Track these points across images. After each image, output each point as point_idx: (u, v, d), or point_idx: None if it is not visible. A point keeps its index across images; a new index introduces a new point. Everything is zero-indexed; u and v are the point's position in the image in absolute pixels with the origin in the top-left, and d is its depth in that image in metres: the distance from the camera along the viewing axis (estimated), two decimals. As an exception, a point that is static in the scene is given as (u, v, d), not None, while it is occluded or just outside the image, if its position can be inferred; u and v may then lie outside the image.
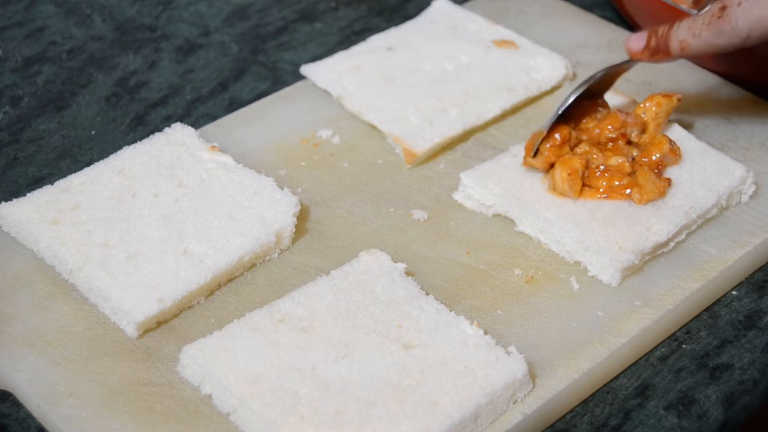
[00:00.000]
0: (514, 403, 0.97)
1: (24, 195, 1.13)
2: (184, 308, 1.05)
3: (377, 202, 1.18)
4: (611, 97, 1.26)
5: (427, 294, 1.04)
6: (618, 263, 1.07)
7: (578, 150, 1.15)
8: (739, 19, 1.07)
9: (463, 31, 1.38)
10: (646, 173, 1.13)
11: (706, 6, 1.14)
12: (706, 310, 1.10)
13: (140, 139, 1.20)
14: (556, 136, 1.14)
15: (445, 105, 1.27)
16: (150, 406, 0.96)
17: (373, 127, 1.26)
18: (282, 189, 1.14)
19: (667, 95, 1.19)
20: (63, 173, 1.21)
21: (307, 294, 1.03)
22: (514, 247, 1.13)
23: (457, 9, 1.42)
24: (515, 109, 1.30)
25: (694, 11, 1.34)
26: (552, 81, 1.32)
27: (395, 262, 1.07)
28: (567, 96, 1.17)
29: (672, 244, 1.11)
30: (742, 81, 1.33)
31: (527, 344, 1.02)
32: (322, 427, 0.91)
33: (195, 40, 1.46)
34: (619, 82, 1.33)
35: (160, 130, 1.22)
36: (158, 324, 1.04)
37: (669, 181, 1.14)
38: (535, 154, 1.14)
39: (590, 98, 1.19)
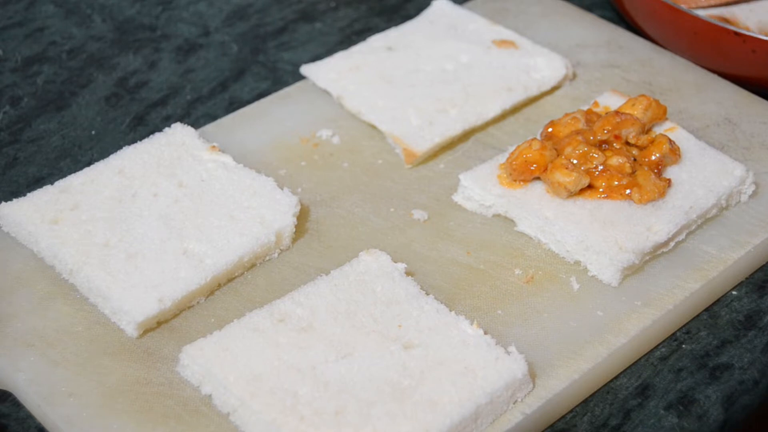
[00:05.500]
0: (514, 403, 0.97)
1: (24, 195, 1.13)
2: (184, 308, 1.05)
3: (377, 202, 1.18)
4: (610, 97, 1.26)
5: (427, 294, 1.04)
6: (618, 263, 1.07)
7: (575, 150, 1.14)
8: None
9: (463, 31, 1.38)
10: (646, 173, 1.13)
11: None
12: (706, 310, 1.10)
13: (140, 139, 1.20)
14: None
15: (445, 105, 1.27)
16: (150, 406, 0.96)
17: (373, 127, 1.26)
18: (282, 189, 1.14)
19: (660, 104, 1.20)
20: (63, 173, 1.21)
21: (307, 294, 1.03)
22: (514, 247, 1.13)
23: (457, 9, 1.42)
24: (515, 109, 1.30)
25: (695, 11, 1.35)
26: (552, 81, 1.32)
27: (395, 262, 1.07)
28: None
29: (672, 244, 1.11)
30: (742, 81, 1.33)
31: (527, 344, 1.02)
32: (322, 427, 0.91)
33: (195, 40, 1.46)
34: (619, 82, 1.33)
35: (160, 130, 1.22)
36: (158, 324, 1.04)
37: (669, 181, 1.14)
38: None
39: None
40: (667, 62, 1.37)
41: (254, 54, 1.44)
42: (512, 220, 1.14)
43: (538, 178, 1.14)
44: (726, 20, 1.36)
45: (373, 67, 1.32)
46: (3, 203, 1.12)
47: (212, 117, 1.32)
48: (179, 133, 1.20)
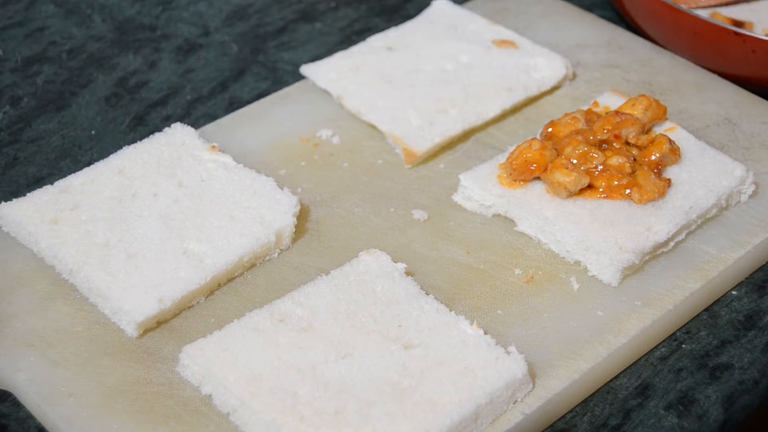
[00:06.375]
0: (514, 403, 0.97)
1: (24, 195, 1.13)
2: (184, 308, 1.05)
3: (377, 202, 1.18)
4: (610, 97, 1.26)
5: (427, 294, 1.04)
6: (618, 263, 1.07)
7: (575, 150, 1.14)
8: None
9: (463, 31, 1.38)
10: (646, 173, 1.13)
11: None
12: (706, 310, 1.10)
13: (140, 139, 1.20)
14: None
15: (445, 105, 1.27)
16: (150, 406, 0.96)
17: (373, 127, 1.26)
18: (282, 189, 1.14)
19: (660, 104, 1.20)
20: (63, 173, 1.21)
21: (307, 294, 1.03)
22: (514, 247, 1.13)
23: (457, 9, 1.42)
24: (515, 109, 1.30)
25: (695, 11, 1.35)
26: (552, 81, 1.32)
27: (395, 262, 1.07)
28: None
29: (672, 243, 1.11)
30: (742, 81, 1.33)
31: (527, 344, 1.02)
32: (322, 427, 0.91)
33: (195, 40, 1.46)
34: (619, 82, 1.33)
35: (160, 130, 1.22)
36: (158, 324, 1.04)
37: (669, 181, 1.14)
38: None
39: None
40: (667, 62, 1.37)
41: (254, 54, 1.44)
42: (512, 220, 1.14)
43: (538, 178, 1.14)
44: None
45: (373, 67, 1.32)
46: (3, 203, 1.12)
47: (212, 117, 1.32)
48: (179, 133, 1.20)
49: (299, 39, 1.47)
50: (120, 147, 1.19)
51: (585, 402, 1.02)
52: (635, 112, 1.19)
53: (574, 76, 1.35)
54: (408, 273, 1.07)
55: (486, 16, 1.42)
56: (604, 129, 1.16)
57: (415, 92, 1.29)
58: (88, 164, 1.18)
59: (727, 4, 1.43)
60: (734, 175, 1.16)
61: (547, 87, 1.32)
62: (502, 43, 1.36)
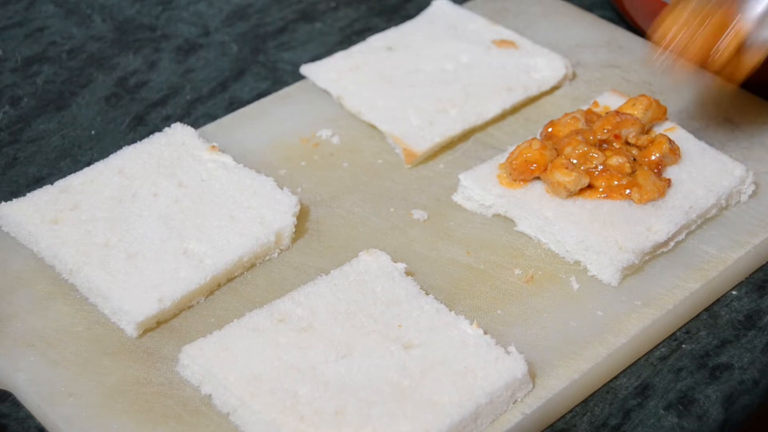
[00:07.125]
0: (514, 403, 0.97)
1: (24, 195, 1.13)
2: (184, 308, 1.05)
3: (377, 202, 1.18)
4: (610, 97, 1.26)
5: (427, 294, 1.04)
6: (618, 263, 1.07)
7: (575, 150, 1.14)
8: None
9: (463, 31, 1.38)
10: (646, 173, 1.13)
11: None
12: (706, 310, 1.10)
13: (140, 139, 1.20)
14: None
15: (444, 105, 1.27)
16: (150, 406, 0.96)
17: (373, 127, 1.26)
18: (282, 189, 1.14)
19: (660, 104, 1.20)
20: (63, 173, 1.21)
21: (307, 294, 1.03)
22: (514, 247, 1.13)
23: (457, 9, 1.42)
24: (515, 109, 1.30)
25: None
26: (552, 81, 1.32)
27: (395, 262, 1.07)
28: None
29: (672, 243, 1.11)
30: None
31: (527, 344, 1.02)
32: (322, 427, 0.91)
33: (195, 40, 1.46)
34: (619, 82, 1.33)
35: (160, 130, 1.22)
36: (158, 324, 1.04)
37: (669, 181, 1.14)
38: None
39: None
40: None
41: (254, 54, 1.44)
42: (512, 220, 1.15)
43: (538, 178, 1.14)
44: None
45: (373, 67, 1.32)
46: (3, 203, 1.12)
47: (212, 117, 1.32)
48: (179, 133, 1.21)
49: (299, 39, 1.47)
50: (120, 147, 1.19)
51: (585, 402, 1.02)
52: (635, 112, 1.19)
53: (574, 76, 1.35)
54: (408, 273, 1.07)
55: (486, 16, 1.42)
56: (604, 129, 1.16)
57: (415, 92, 1.29)
58: (88, 164, 1.18)
59: (727, 4, 1.42)
60: (734, 175, 1.16)
61: (547, 87, 1.32)
62: (502, 43, 1.36)
